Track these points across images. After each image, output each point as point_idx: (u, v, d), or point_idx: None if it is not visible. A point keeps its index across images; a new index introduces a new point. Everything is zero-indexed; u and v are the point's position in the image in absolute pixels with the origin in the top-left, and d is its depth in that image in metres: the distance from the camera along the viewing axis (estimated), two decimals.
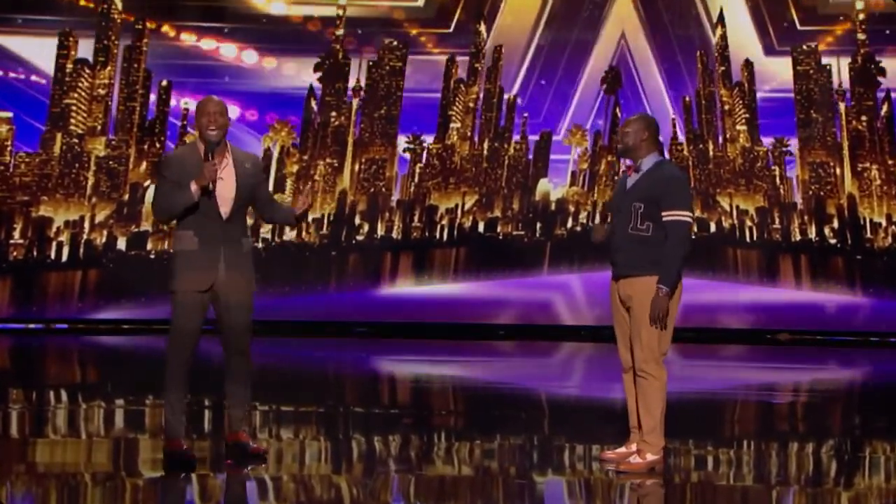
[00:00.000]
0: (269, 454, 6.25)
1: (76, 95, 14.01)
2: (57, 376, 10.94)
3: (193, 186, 5.80)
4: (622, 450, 6.13)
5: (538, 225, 13.90)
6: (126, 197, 13.88)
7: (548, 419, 8.20)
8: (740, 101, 14.03)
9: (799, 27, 14.01)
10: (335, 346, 12.88)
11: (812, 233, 13.66)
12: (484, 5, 14.20)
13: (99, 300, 13.70)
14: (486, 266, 13.87)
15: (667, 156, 13.51)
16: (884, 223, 13.59)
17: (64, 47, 14.08)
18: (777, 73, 14.06)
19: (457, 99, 14.17)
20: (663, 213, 5.81)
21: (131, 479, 5.93)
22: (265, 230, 13.69)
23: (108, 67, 14.14)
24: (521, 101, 14.20)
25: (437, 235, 13.92)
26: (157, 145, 14.06)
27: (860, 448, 7.15)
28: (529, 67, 14.23)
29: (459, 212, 13.96)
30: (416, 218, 13.95)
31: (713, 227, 13.78)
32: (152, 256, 13.69)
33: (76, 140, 13.93)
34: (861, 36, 13.88)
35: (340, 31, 14.21)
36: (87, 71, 14.08)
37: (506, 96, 14.20)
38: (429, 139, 14.14)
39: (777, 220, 13.75)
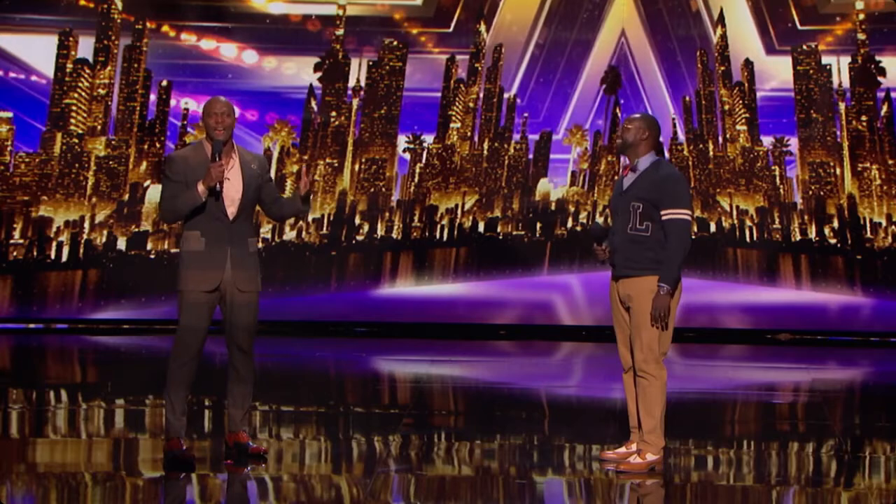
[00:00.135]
0: (268, 454, 6.25)
1: (76, 95, 14.00)
2: (57, 376, 10.94)
3: (200, 187, 5.81)
4: (622, 450, 6.14)
5: (538, 225, 13.89)
6: (126, 197, 13.87)
7: (548, 419, 8.20)
8: (740, 101, 14.02)
9: (799, 27, 14.00)
10: (335, 346, 12.88)
11: (812, 233, 13.65)
12: (484, 4, 14.19)
13: (99, 300, 13.69)
14: (486, 266, 13.86)
15: (667, 156, 13.53)
16: (884, 223, 13.59)
17: (64, 47, 14.07)
18: (777, 72, 14.06)
19: (457, 99, 14.16)
20: (663, 213, 5.82)
21: (131, 479, 5.93)
22: (265, 230, 13.69)
23: (108, 67, 14.13)
24: (521, 100, 14.19)
25: (437, 235, 13.91)
26: (158, 145, 14.05)
27: (860, 448, 7.15)
28: (529, 67, 14.22)
29: (459, 212, 13.95)
30: (416, 218, 13.95)
31: (713, 227, 13.77)
32: (152, 256, 13.68)
33: (76, 140, 13.93)
34: (861, 36, 13.88)
35: (340, 31, 14.21)
36: (87, 71, 14.08)
37: (506, 96, 14.19)
38: (429, 139, 14.13)
39: (777, 220, 13.75)
